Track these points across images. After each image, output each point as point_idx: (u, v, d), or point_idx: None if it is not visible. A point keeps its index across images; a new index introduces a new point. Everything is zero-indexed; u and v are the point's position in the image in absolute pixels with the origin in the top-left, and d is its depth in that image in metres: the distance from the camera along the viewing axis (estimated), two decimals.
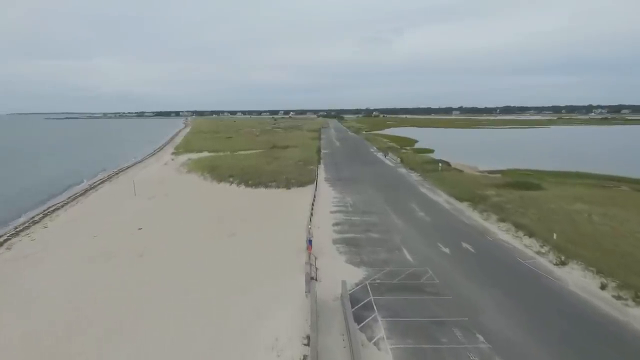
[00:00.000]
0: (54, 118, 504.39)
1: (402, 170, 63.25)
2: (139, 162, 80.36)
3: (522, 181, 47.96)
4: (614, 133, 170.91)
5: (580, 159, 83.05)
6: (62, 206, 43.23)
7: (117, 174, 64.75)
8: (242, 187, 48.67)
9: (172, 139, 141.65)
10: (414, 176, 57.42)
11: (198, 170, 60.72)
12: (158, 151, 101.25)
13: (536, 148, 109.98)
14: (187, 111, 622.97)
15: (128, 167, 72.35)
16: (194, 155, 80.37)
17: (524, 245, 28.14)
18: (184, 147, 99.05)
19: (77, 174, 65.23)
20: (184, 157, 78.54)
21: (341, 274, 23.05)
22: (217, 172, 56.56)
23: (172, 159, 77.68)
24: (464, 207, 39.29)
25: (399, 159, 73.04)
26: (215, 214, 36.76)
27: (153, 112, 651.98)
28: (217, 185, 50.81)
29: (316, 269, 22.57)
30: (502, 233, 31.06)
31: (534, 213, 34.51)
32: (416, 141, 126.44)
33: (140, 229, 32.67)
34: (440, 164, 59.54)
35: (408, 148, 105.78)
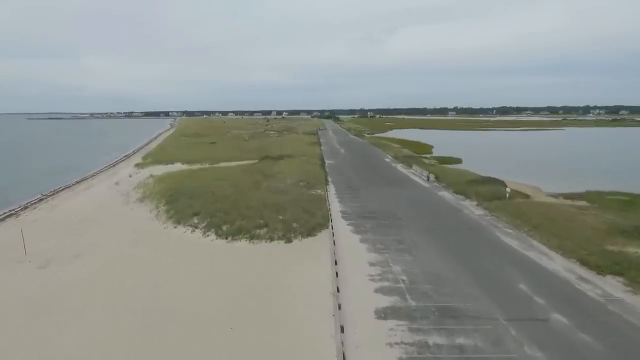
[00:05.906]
0: (36, 118, 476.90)
1: (446, 194, 44.76)
2: (86, 178, 60.84)
3: None
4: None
5: None
6: None
7: (40, 200, 45.26)
8: (211, 237, 29.52)
9: (147, 143, 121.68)
10: (471, 207, 38.89)
11: (154, 197, 41.71)
12: (122, 160, 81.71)
13: (578, 156, 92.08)
14: (177, 111, 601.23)
15: (66, 187, 53.02)
16: (162, 169, 61.21)
17: None
18: (155, 156, 79.81)
19: None
20: (146, 172, 59.35)
21: None
22: (179, 203, 37.54)
23: (130, 175, 58.37)
24: (624, 294, 20.80)
25: (432, 176, 54.57)
26: (139, 325, 17.87)
27: (142, 112, 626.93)
28: (171, 232, 31.54)
29: None
30: None
31: None
32: (432, 147, 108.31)
33: None
34: (507, 190, 41.06)
35: (428, 156, 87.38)
